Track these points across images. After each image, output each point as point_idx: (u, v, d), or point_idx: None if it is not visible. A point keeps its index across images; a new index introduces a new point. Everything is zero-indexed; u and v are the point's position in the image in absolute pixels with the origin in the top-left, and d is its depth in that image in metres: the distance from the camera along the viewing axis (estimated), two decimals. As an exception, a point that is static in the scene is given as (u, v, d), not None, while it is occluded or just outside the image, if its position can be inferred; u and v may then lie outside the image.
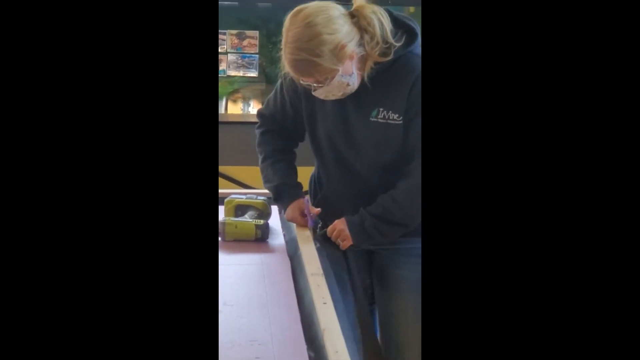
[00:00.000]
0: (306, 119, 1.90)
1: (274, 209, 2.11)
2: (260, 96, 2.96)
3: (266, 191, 2.04)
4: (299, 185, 1.99)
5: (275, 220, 2.07)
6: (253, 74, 3.01)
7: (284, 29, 1.69)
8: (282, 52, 1.71)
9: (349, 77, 1.73)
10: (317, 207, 1.97)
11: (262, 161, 1.99)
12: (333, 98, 1.78)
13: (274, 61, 2.96)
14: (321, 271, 1.73)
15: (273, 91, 1.99)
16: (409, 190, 1.79)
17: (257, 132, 2.03)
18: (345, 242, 1.87)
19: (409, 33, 1.79)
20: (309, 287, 1.66)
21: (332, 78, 1.70)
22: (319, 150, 1.94)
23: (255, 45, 2.98)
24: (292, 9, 2.77)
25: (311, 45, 1.64)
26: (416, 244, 1.92)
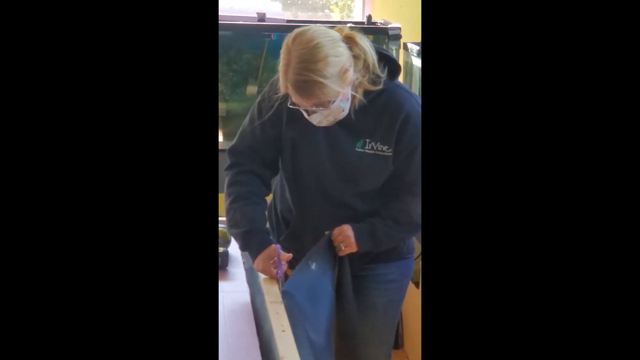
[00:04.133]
0: (289, 145, 1.85)
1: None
2: (221, 123, 2.96)
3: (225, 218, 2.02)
4: (269, 232, 1.89)
5: (234, 248, 2.06)
6: (213, 101, 3.01)
7: (285, 50, 1.67)
8: (281, 74, 1.68)
9: (346, 102, 1.72)
10: (283, 243, 1.92)
11: (232, 203, 1.86)
12: (325, 124, 1.76)
13: (235, 87, 2.96)
14: (280, 299, 1.73)
15: (247, 121, 1.90)
16: (412, 205, 1.82)
17: (231, 172, 1.90)
18: (348, 248, 1.84)
19: (392, 66, 1.79)
20: (268, 315, 1.66)
21: (333, 102, 1.69)
22: (297, 180, 1.89)
23: (216, 73, 2.98)
24: (253, 37, 2.77)
25: (319, 67, 1.63)
26: (383, 270, 1.96)
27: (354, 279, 1.92)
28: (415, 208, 1.81)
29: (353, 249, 1.84)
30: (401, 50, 2.80)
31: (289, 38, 1.68)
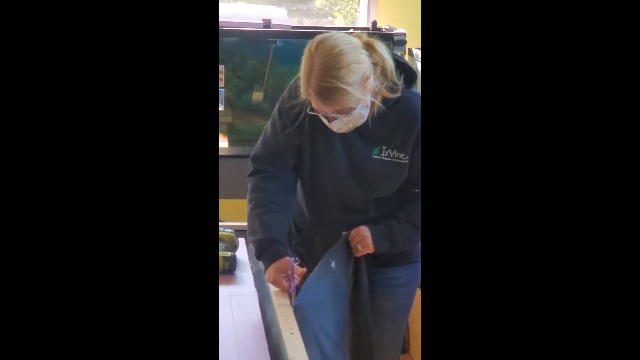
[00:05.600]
0: (307, 152, 1.86)
1: (241, 241, 2.11)
2: (227, 130, 2.96)
3: (234, 223, 2.02)
4: (285, 244, 1.85)
5: (242, 252, 2.07)
6: (220, 107, 3.02)
7: (307, 57, 1.68)
8: (303, 80, 1.68)
9: (365, 109, 1.73)
10: (295, 247, 1.94)
11: (252, 210, 1.86)
12: (345, 130, 1.77)
13: (241, 93, 2.97)
14: (288, 302, 1.74)
15: (269, 127, 1.90)
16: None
17: (253, 178, 1.89)
18: (365, 249, 1.86)
19: (408, 74, 1.80)
20: (277, 318, 1.67)
21: (354, 109, 1.70)
22: (313, 186, 1.90)
23: (222, 79, 2.99)
24: (259, 43, 2.77)
25: (342, 74, 1.64)
26: (392, 274, 1.97)
27: (364, 286, 1.92)
28: None
29: (370, 249, 1.86)
30: (406, 56, 2.81)
31: (311, 45, 1.69)
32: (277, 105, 1.88)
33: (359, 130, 1.79)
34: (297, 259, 1.83)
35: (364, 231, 1.85)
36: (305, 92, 1.70)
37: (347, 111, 1.70)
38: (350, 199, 1.88)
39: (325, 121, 1.76)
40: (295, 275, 1.77)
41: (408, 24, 2.91)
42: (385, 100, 1.76)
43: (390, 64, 1.73)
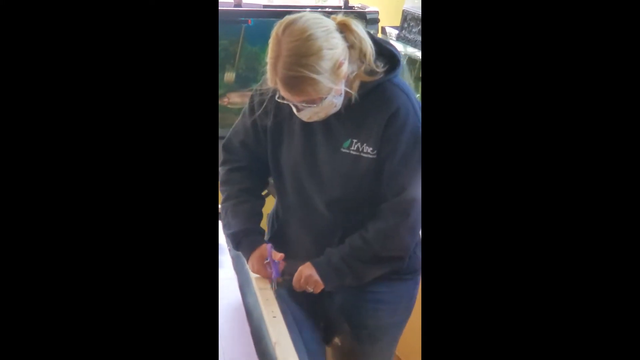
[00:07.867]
0: (271, 142, 1.74)
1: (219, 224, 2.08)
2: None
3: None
4: (261, 231, 1.80)
5: (220, 235, 2.05)
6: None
7: (274, 41, 1.51)
8: (270, 67, 1.52)
9: (338, 97, 1.58)
10: (272, 241, 1.82)
11: (224, 201, 1.80)
12: (316, 120, 1.63)
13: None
14: (269, 285, 1.73)
15: (241, 115, 1.80)
16: (379, 232, 1.67)
17: (223, 169, 1.82)
18: (316, 287, 1.71)
19: (390, 59, 1.65)
20: (258, 301, 1.66)
21: (325, 98, 1.55)
22: (280, 180, 1.78)
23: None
24: (230, 22, 2.72)
25: (311, 61, 1.48)
26: (370, 288, 1.78)
27: (354, 298, 1.82)
28: (375, 241, 1.68)
29: (321, 285, 1.72)
30: (379, 35, 2.79)
31: (278, 27, 1.52)
32: (252, 93, 1.78)
33: (329, 121, 1.65)
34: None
35: (306, 269, 1.71)
36: (272, 79, 1.54)
37: (316, 101, 1.55)
38: (313, 196, 1.73)
39: (294, 110, 1.62)
40: (277, 261, 1.73)
41: (381, 2, 2.89)
42: (362, 87, 1.61)
43: (368, 45, 1.58)
